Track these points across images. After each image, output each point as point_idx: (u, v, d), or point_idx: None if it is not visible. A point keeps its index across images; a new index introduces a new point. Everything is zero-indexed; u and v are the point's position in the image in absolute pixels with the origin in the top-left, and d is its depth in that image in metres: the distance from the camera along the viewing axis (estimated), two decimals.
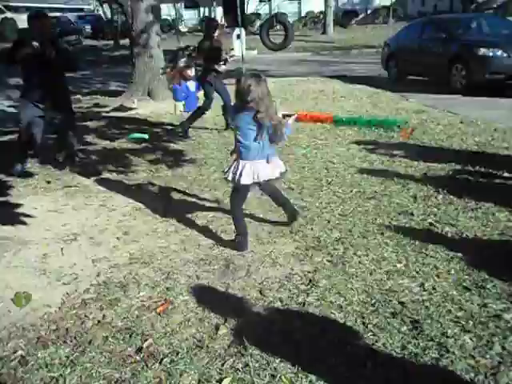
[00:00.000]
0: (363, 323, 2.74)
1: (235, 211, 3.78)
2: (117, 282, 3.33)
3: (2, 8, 29.20)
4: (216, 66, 7.18)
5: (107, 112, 9.63)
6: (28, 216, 4.45)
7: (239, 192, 3.72)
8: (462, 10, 26.32)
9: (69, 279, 3.40)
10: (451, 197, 4.46)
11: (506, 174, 5.01)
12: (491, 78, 9.36)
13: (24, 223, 4.30)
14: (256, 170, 3.51)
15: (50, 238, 4.06)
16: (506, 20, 13.04)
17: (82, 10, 42.06)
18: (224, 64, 7.30)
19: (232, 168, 3.60)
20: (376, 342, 2.58)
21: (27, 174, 5.66)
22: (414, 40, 11.62)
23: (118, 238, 4.02)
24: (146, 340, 2.69)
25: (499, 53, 9.38)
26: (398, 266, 3.33)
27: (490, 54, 9.43)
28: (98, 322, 2.90)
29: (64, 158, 5.92)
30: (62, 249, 3.86)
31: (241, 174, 3.51)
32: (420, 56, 11.13)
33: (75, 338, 2.75)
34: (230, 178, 3.60)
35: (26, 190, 5.22)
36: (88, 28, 34.59)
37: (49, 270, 3.54)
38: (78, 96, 11.91)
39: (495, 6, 26.23)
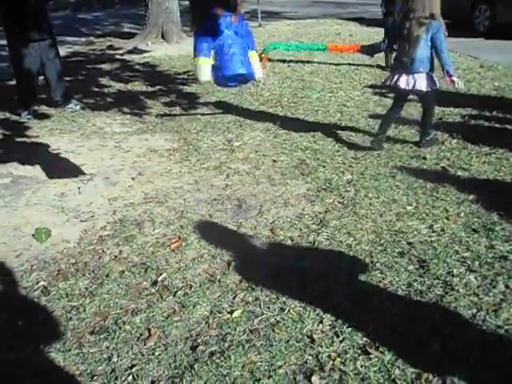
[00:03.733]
0: (371, 262, 2.80)
1: (392, 114, 4.40)
2: (132, 219, 3.43)
3: None
4: None
5: (121, 54, 9.54)
6: (45, 156, 4.53)
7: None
8: None
9: (86, 217, 3.51)
10: (465, 142, 4.42)
11: None
12: None
13: (42, 163, 4.39)
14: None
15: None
16: None
17: None
18: None
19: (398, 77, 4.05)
20: (383, 279, 2.65)
21: (43, 116, 5.72)
22: None
23: (133, 179, 4.10)
24: (160, 274, 2.80)
25: None
26: (408, 208, 3.37)
27: None
28: (115, 257, 3.01)
29: (62, 96, 5.93)
30: (79, 188, 3.96)
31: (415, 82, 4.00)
32: None
33: (93, 271, 2.87)
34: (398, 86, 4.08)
35: (42, 132, 5.28)
36: None
37: (67, 207, 3.64)
38: (91, 38, 11.79)
39: None
